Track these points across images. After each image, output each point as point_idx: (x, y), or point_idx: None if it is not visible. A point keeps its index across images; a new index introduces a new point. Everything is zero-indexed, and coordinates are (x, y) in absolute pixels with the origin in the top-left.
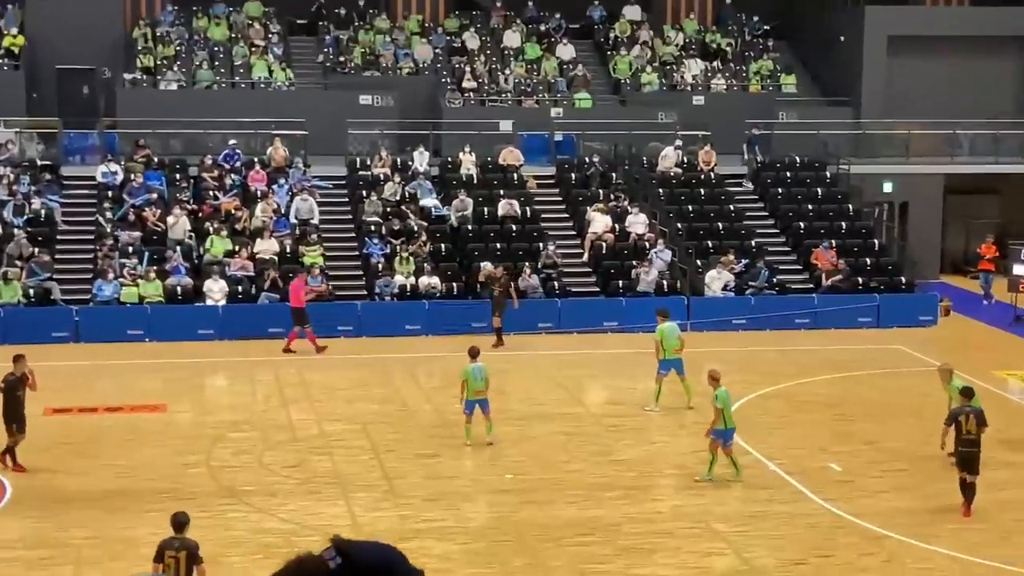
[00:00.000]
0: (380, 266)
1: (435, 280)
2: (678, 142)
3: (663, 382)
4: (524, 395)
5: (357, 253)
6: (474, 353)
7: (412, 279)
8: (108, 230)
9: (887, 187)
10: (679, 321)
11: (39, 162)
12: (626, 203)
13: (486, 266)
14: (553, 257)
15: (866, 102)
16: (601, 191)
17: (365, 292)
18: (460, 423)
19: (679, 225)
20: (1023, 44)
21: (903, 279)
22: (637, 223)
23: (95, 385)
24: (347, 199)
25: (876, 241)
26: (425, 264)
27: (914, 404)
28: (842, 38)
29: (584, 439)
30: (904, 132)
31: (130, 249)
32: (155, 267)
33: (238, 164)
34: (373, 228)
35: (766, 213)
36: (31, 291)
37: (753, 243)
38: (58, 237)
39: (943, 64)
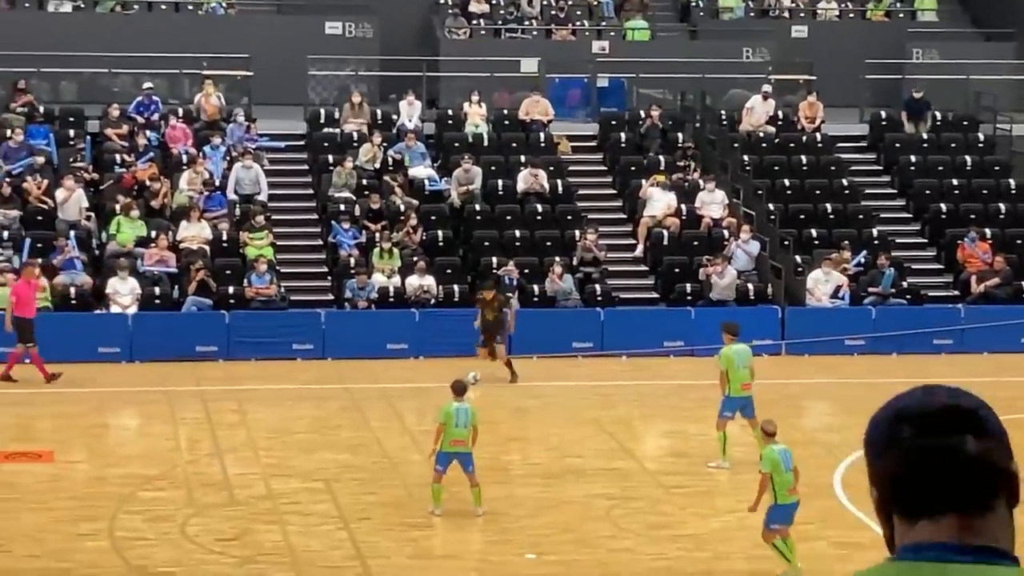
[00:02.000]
0: (353, 261)
1: (429, 281)
2: (767, 87)
3: (727, 428)
4: (552, 443)
5: (321, 243)
6: (459, 390)
7: (397, 279)
8: None
9: None
10: (767, 341)
11: None
12: (697, 175)
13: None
14: (594, 250)
15: None
16: (662, 158)
17: (331, 297)
18: (456, 482)
19: (770, 207)
20: None
21: None
22: (712, 203)
23: None
24: (307, 167)
25: None
26: (415, 259)
27: None
28: None
29: (635, 506)
30: None
31: (5, 234)
32: (39, 260)
33: (155, 117)
34: (343, 208)
35: (894, 191)
36: None
37: (875, 232)
38: None
39: None
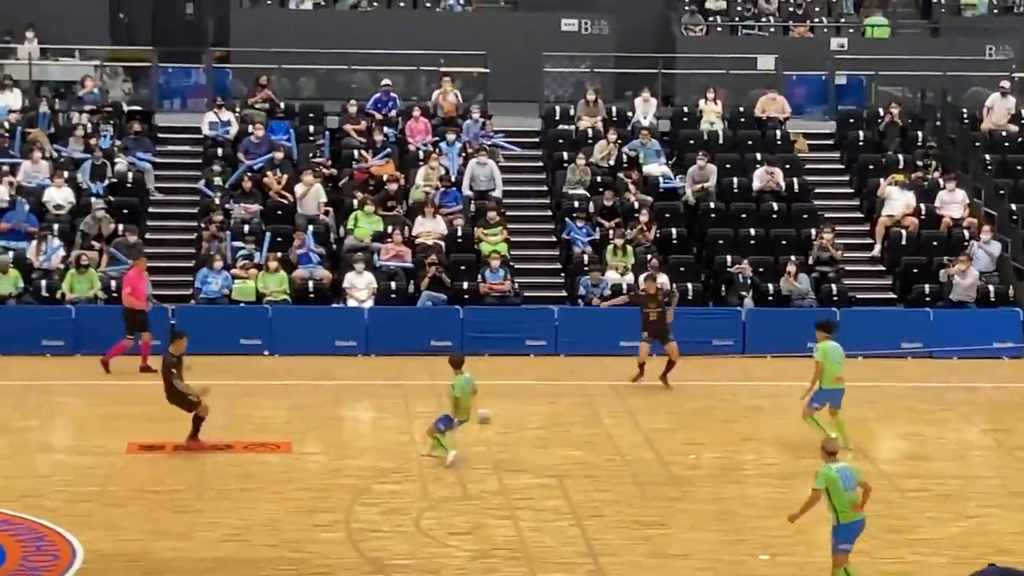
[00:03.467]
0: (586, 258)
1: (663, 279)
2: (1005, 83)
3: (816, 415)
4: (787, 443)
5: (555, 239)
6: (457, 363)
7: (630, 276)
8: (217, 202)
9: None
10: (1008, 344)
11: (126, 108)
12: (937, 174)
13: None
14: (831, 249)
15: None
16: (901, 156)
17: (565, 294)
18: (696, 478)
19: (1013, 207)
20: None
21: None
22: (953, 203)
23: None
24: (542, 164)
25: None
26: (649, 256)
27: None
28: None
29: (872, 509)
30: None
31: (246, 228)
32: (279, 253)
33: (393, 113)
34: (577, 205)
35: None
36: (113, 283)
37: None
38: (150, 210)
39: None
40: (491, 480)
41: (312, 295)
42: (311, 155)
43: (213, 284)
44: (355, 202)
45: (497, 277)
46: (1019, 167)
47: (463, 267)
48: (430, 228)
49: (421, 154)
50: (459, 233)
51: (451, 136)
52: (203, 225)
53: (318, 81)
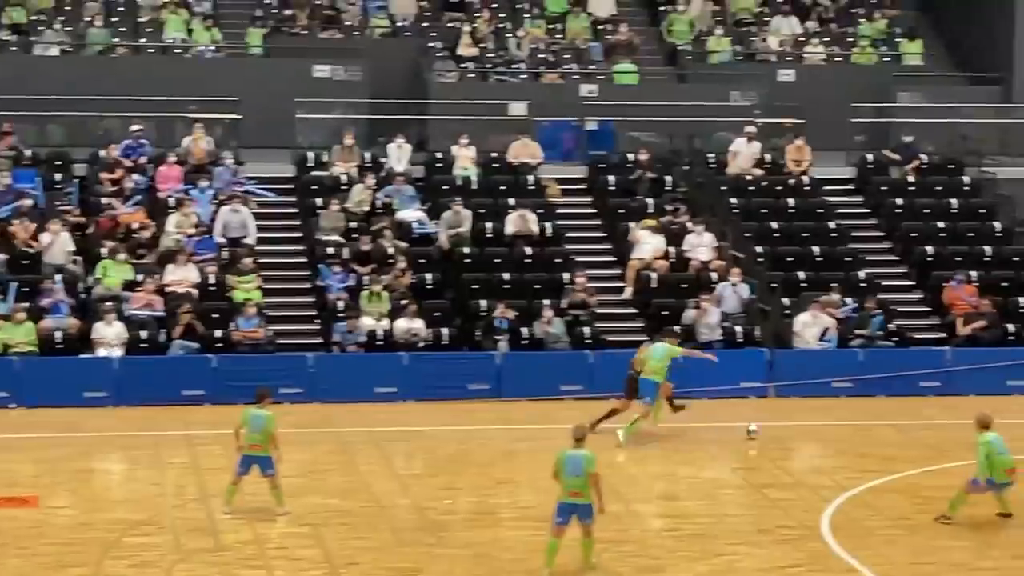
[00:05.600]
0: (341, 304)
1: (418, 324)
2: (750, 129)
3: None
4: (542, 486)
5: (309, 286)
6: (261, 396)
7: (386, 322)
8: None
9: None
10: (755, 384)
11: None
12: (686, 218)
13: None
14: (583, 293)
15: (1021, 79)
16: (650, 201)
17: (320, 340)
18: (448, 524)
19: (758, 249)
20: None
21: None
22: (701, 246)
23: None
24: (296, 210)
25: None
26: (404, 302)
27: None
28: None
29: (626, 549)
30: None
31: None
32: (25, 304)
33: (143, 160)
34: (332, 251)
35: (881, 233)
36: None
37: (862, 275)
38: None
39: None
40: (245, 530)
41: (60, 345)
42: (58, 203)
43: None
44: (104, 250)
45: (251, 325)
46: (764, 210)
47: (216, 315)
48: (182, 276)
49: (173, 201)
50: (212, 281)
51: (203, 183)
52: None
53: (67, 128)
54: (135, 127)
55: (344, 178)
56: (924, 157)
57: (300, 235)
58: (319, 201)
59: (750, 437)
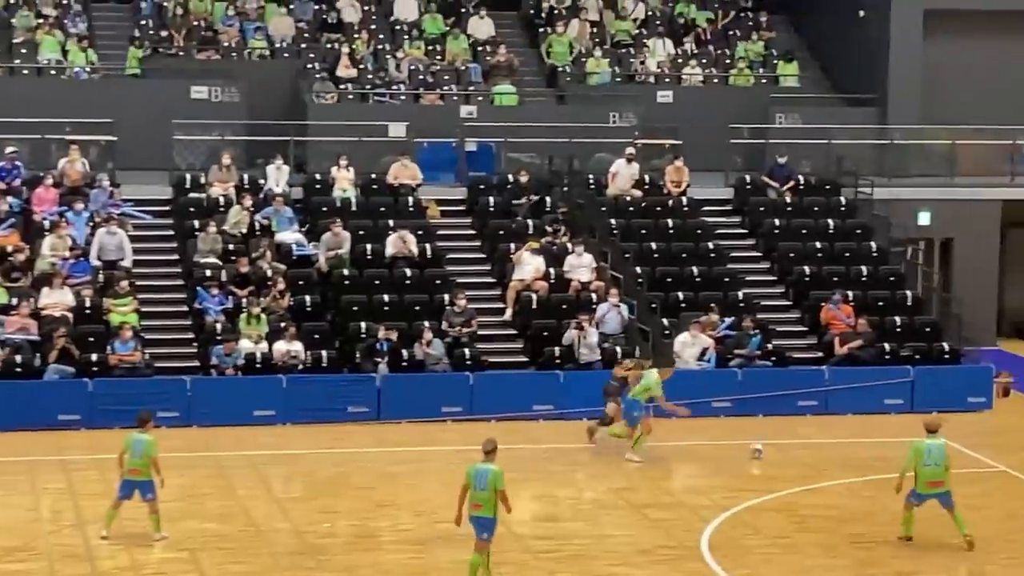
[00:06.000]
0: (219, 327)
1: (297, 346)
2: (630, 150)
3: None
4: (422, 508)
5: (187, 309)
6: (143, 420)
7: (264, 345)
8: None
9: (923, 218)
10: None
11: None
12: (566, 239)
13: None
14: (463, 315)
15: (895, 101)
16: (530, 222)
17: (198, 363)
18: (328, 547)
19: (638, 270)
20: None
21: (946, 346)
22: (581, 267)
23: None
24: (172, 232)
25: (909, 293)
26: (283, 324)
27: (965, 520)
28: (862, 13)
29: (504, 571)
30: (947, 142)
31: None
32: None
33: (17, 182)
34: (209, 274)
35: (759, 254)
36: None
37: (740, 296)
38: None
39: (1002, 49)
40: (122, 556)
41: None
42: None
43: None
44: None
45: (127, 348)
46: (643, 231)
47: (92, 339)
48: (57, 299)
49: (48, 224)
50: (87, 304)
51: (79, 205)
52: None
53: None
54: (9, 149)
55: (222, 200)
56: (801, 178)
57: (177, 257)
58: (196, 223)
59: (754, 457)
